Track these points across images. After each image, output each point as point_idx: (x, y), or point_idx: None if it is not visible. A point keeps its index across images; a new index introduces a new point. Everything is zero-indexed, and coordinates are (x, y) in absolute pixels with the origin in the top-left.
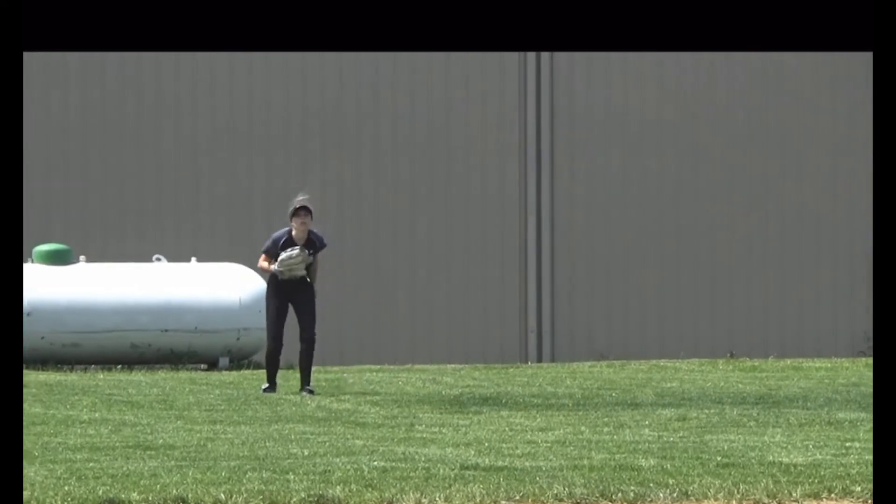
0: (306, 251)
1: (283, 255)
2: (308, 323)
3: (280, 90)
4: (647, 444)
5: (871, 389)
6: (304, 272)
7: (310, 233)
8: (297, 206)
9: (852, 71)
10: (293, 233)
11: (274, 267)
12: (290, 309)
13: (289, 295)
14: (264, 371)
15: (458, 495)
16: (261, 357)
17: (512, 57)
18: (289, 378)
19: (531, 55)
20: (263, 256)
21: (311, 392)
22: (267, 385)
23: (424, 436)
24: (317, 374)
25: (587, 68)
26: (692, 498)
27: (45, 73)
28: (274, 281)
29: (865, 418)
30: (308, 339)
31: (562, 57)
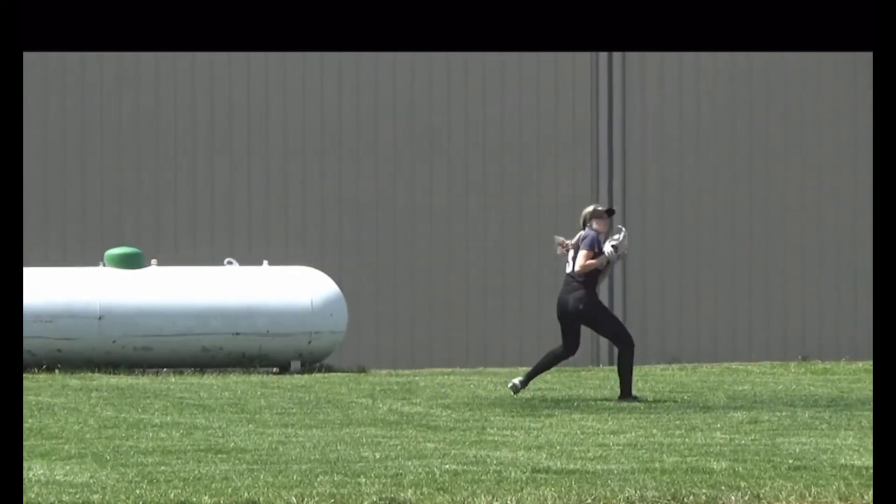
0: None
1: (615, 240)
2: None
3: (349, 92)
4: (718, 447)
5: None
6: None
7: None
8: (606, 209)
9: None
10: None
11: (608, 250)
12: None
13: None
14: (336, 374)
15: (529, 498)
16: (332, 360)
17: (584, 57)
18: (360, 381)
19: (603, 55)
20: (588, 253)
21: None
22: (634, 393)
23: (496, 439)
24: (387, 377)
25: (659, 69)
26: (764, 501)
27: (117, 75)
28: (593, 287)
29: None
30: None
31: (634, 57)
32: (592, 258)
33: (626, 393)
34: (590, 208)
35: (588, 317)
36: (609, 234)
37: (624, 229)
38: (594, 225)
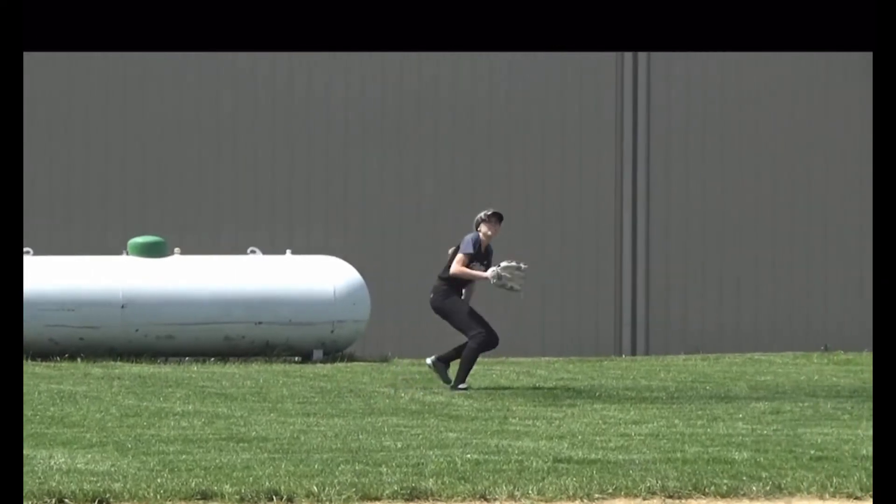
0: (523, 268)
1: (505, 264)
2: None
3: (376, 86)
4: (740, 438)
5: None
6: (517, 287)
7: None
8: (493, 213)
9: None
10: (482, 239)
11: (490, 273)
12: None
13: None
14: (359, 363)
15: (551, 488)
16: (355, 349)
17: (609, 55)
18: (382, 371)
19: (628, 54)
20: (464, 258)
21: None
22: (466, 385)
23: (518, 429)
24: (410, 367)
25: (685, 66)
26: (785, 491)
27: (143, 68)
28: (458, 288)
29: None
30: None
31: (658, 54)
32: (468, 264)
33: (459, 380)
34: (481, 213)
35: (442, 310)
36: (493, 237)
37: (524, 267)
38: (482, 228)
